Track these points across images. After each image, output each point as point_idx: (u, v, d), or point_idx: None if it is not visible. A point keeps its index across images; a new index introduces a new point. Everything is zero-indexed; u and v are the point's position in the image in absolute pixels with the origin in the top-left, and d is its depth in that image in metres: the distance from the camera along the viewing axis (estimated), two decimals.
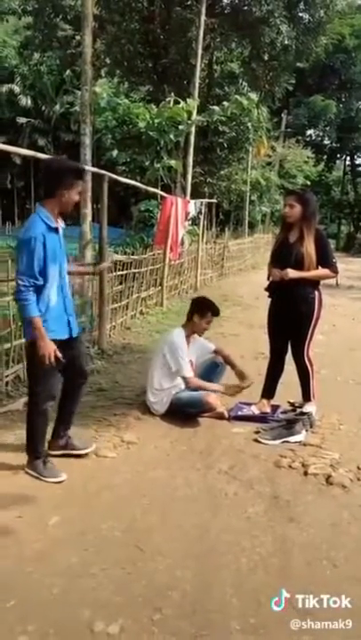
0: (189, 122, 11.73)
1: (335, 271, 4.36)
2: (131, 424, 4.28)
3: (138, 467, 3.58)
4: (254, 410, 4.55)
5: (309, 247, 4.20)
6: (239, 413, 4.49)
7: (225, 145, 16.97)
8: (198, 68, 14.01)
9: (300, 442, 4.04)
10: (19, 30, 29.34)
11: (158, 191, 10.35)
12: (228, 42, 18.08)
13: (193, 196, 13.33)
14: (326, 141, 42.87)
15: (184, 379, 4.40)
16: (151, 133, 10.73)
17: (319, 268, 4.27)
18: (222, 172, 19.93)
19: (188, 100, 11.44)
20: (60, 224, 3.24)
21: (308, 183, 32.08)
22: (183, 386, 4.47)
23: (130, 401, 4.81)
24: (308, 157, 34.05)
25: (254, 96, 14.43)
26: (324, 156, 43.09)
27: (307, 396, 4.50)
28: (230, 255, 16.84)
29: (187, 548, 2.70)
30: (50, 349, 3.09)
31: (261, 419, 4.44)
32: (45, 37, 18.15)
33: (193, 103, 11.83)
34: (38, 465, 3.30)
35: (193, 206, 11.33)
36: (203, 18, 13.71)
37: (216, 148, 17.25)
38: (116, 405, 4.68)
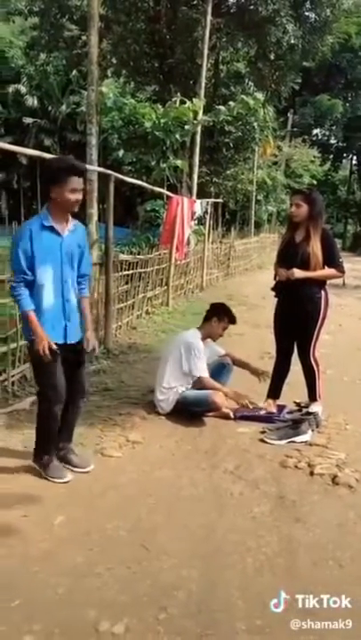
0: (195, 122, 11.74)
1: (342, 271, 4.34)
2: (136, 423, 4.28)
3: (143, 466, 3.58)
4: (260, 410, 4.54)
5: (316, 247, 4.19)
6: (245, 413, 4.48)
7: (231, 145, 16.93)
8: (204, 68, 14.02)
9: (306, 442, 4.02)
10: (25, 31, 29.40)
11: (164, 191, 10.35)
12: (234, 41, 18.06)
13: (199, 196, 13.33)
14: (333, 141, 42.81)
15: (200, 378, 4.41)
16: (157, 133, 10.74)
17: (325, 267, 4.26)
18: (228, 172, 19.90)
19: (194, 99, 11.44)
20: (68, 226, 3.17)
21: (315, 182, 31.97)
22: (190, 385, 4.48)
23: (135, 400, 4.82)
24: (314, 157, 33.95)
25: (260, 96, 14.38)
26: (331, 156, 43.03)
27: (313, 396, 4.49)
28: (236, 255, 16.82)
29: (192, 547, 2.70)
30: (44, 342, 3.03)
31: (267, 419, 4.43)
32: (51, 38, 18.21)
33: (199, 103, 11.83)
34: (44, 461, 3.29)
35: (199, 206, 11.33)
36: (209, 17, 13.72)
37: (222, 147, 17.22)
38: (121, 405, 4.69)
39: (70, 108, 32.07)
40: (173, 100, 11.33)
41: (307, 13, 17.01)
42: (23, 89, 33.76)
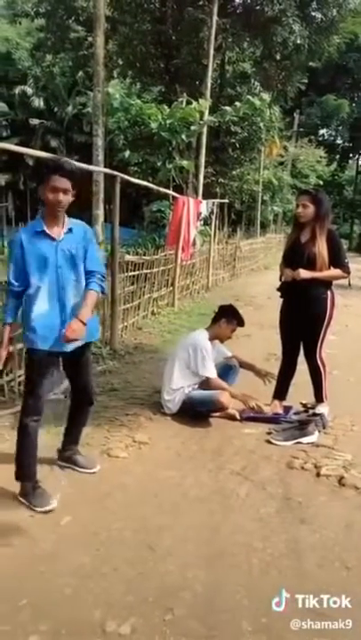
0: (201, 122, 11.74)
1: (347, 271, 4.32)
2: (142, 424, 4.29)
3: (149, 467, 3.58)
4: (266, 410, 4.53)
5: (321, 247, 4.18)
6: (251, 414, 4.48)
7: (237, 145, 16.93)
8: (210, 69, 14.02)
9: (312, 443, 4.02)
10: (31, 32, 29.53)
11: (170, 192, 10.35)
12: (240, 42, 18.06)
13: (205, 197, 13.32)
14: (339, 141, 42.75)
15: (207, 379, 4.42)
16: (163, 134, 10.75)
17: (331, 268, 4.25)
18: (234, 173, 19.90)
19: (200, 100, 11.44)
20: (63, 229, 3.03)
21: (321, 183, 31.92)
22: (197, 385, 4.48)
23: (142, 401, 4.82)
24: (320, 157, 33.91)
25: (266, 96, 14.39)
26: (337, 156, 42.92)
27: (319, 397, 4.48)
28: (242, 255, 16.80)
29: (198, 548, 2.70)
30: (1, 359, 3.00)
31: (273, 419, 4.42)
32: (58, 39, 18.29)
33: (205, 103, 11.84)
34: (28, 491, 3.04)
35: (205, 206, 11.32)
36: (215, 18, 13.73)
37: (228, 148, 17.22)
38: (127, 405, 4.69)
39: (76, 109, 32.16)
40: (179, 100, 11.33)
41: (313, 13, 16.97)
42: (29, 90, 33.87)
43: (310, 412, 4.52)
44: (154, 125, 10.75)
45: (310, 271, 4.16)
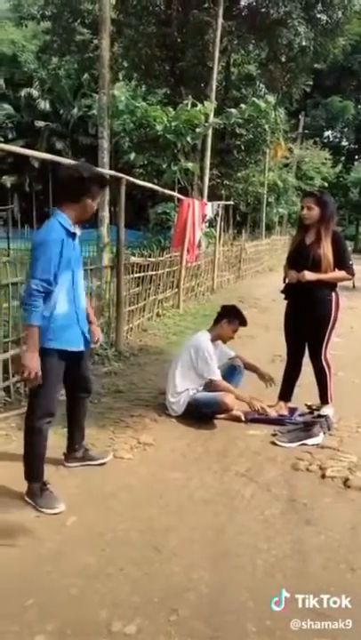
0: (206, 124, 11.76)
1: (352, 273, 4.32)
2: (147, 425, 4.30)
3: (154, 468, 3.59)
4: (271, 412, 4.54)
5: (326, 249, 4.18)
6: (256, 415, 4.48)
7: (242, 147, 16.95)
8: (215, 71, 14.03)
9: (317, 444, 4.02)
10: (37, 35, 29.69)
11: (175, 194, 10.37)
12: (246, 44, 18.05)
13: (210, 199, 13.34)
14: (344, 142, 42.68)
15: (212, 381, 4.42)
16: (168, 136, 10.77)
17: (336, 270, 4.25)
18: (239, 174, 19.93)
19: (205, 102, 11.45)
20: (77, 231, 3.11)
21: (326, 185, 31.89)
22: (201, 387, 4.49)
23: (147, 402, 4.83)
24: (325, 159, 33.87)
25: (272, 98, 14.36)
26: (342, 158, 42.83)
27: (324, 399, 4.48)
28: (247, 257, 16.81)
29: (203, 549, 2.70)
30: (34, 364, 2.87)
31: (278, 421, 4.42)
32: (63, 42, 18.34)
33: (210, 106, 11.84)
34: (35, 492, 3.04)
35: (210, 208, 11.33)
36: (220, 20, 13.74)
37: (233, 150, 17.24)
38: (132, 407, 4.70)
39: (82, 111, 32.27)
40: (185, 102, 11.34)
41: (318, 15, 16.95)
42: (35, 93, 34.06)
43: (315, 413, 4.52)
44: (159, 128, 10.77)
45: (315, 273, 4.16)
